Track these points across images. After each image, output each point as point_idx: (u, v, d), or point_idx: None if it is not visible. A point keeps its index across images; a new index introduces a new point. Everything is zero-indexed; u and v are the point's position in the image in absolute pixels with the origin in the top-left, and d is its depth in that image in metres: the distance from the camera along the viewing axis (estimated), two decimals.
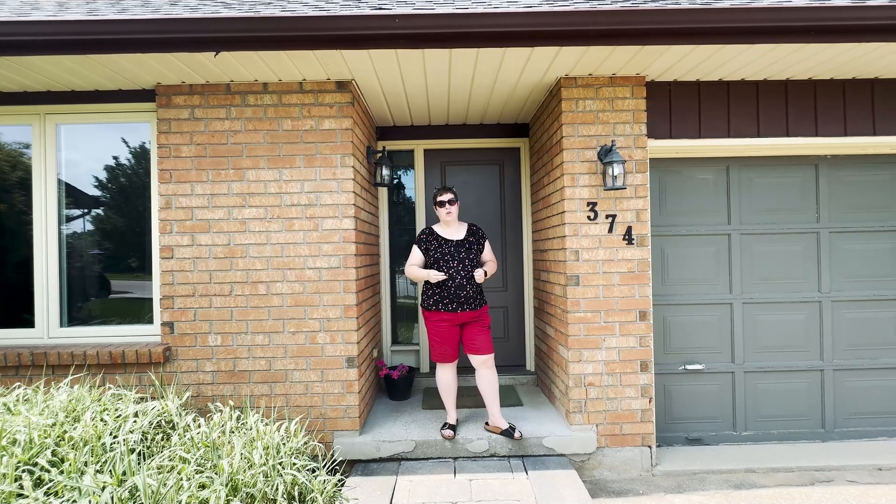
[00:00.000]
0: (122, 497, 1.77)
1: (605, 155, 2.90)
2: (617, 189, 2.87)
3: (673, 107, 3.12)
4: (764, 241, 3.35)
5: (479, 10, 2.32)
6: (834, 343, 3.35)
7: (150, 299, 3.11)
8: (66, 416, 2.26)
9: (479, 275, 2.93)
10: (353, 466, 2.91)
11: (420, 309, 3.12)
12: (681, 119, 3.12)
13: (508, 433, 2.94)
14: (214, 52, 2.49)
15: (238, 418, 2.58)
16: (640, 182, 3.00)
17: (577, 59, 2.73)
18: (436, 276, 2.90)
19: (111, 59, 2.61)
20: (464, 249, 3.00)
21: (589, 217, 2.98)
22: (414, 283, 4.35)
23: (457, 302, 2.95)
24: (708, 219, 3.34)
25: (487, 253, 3.14)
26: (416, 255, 3.07)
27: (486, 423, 3.08)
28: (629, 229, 2.98)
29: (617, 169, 2.82)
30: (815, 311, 3.35)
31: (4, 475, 1.80)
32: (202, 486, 1.96)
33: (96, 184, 3.22)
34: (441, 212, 3.03)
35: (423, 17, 2.31)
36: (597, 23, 2.29)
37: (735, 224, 3.34)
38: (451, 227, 3.07)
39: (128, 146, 3.21)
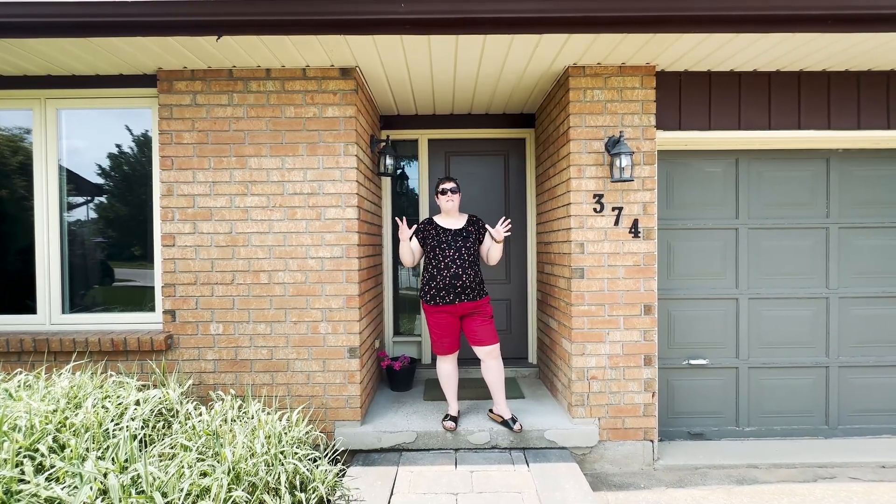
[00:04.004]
0: (125, 484, 1.77)
1: (613, 146, 2.85)
2: (624, 181, 2.83)
3: (683, 98, 3.06)
4: (772, 235, 3.30)
5: None
6: (840, 340, 3.32)
7: (152, 287, 3.10)
8: (68, 403, 2.26)
9: (497, 230, 2.88)
10: (355, 456, 2.91)
11: (420, 301, 3.10)
12: (691, 110, 3.06)
13: (508, 424, 2.93)
14: (216, 36, 2.44)
15: (239, 407, 2.58)
16: (647, 174, 2.95)
17: (586, 48, 2.67)
18: (400, 223, 2.96)
19: (111, 43, 2.57)
20: (461, 238, 2.96)
21: (595, 209, 2.94)
22: (416, 274, 4.33)
23: (454, 293, 2.92)
24: (715, 212, 3.29)
25: (488, 242, 3.09)
26: (413, 242, 3.05)
27: (490, 410, 3.10)
28: (635, 222, 2.94)
29: (624, 160, 2.77)
30: (822, 307, 3.32)
31: (6, 461, 1.79)
32: (204, 474, 1.96)
33: (98, 171, 3.19)
34: (442, 199, 3.00)
35: (429, 2, 2.25)
36: (608, 9, 2.23)
37: (743, 218, 3.29)
38: (452, 218, 3.05)
39: (130, 133, 3.17)
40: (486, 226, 3.08)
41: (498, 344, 3.00)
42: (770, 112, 3.07)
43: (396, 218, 3.03)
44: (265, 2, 2.25)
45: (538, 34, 2.45)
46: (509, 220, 2.97)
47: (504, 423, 2.96)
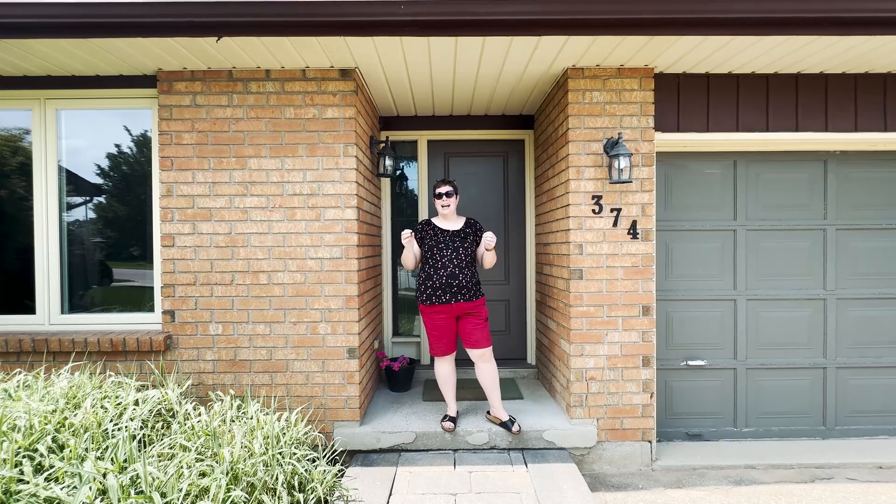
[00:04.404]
0: (124, 484, 1.77)
1: (612, 148, 2.86)
2: (623, 182, 2.84)
3: (681, 99, 3.07)
4: (770, 237, 3.32)
5: None
6: (837, 341, 3.33)
7: (151, 287, 3.10)
8: (67, 403, 2.26)
9: (488, 236, 2.88)
10: (354, 457, 2.92)
11: (417, 303, 3.10)
12: (689, 112, 3.07)
13: (507, 425, 2.94)
14: (216, 38, 2.45)
15: (238, 407, 2.58)
16: (646, 176, 2.96)
17: (584, 49, 2.68)
18: (407, 234, 2.92)
19: (112, 43, 2.58)
20: (458, 239, 2.98)
21: (594, 210, 2.95)
22: (415, 275, 4.34)
23: (450, 292, 2.93)
24: (714, 214, 3.30)
25: (482, 247, 3.10)
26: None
27: (488, 413, 3.10)
28: (634, 223, 2.95)
29: (623, 162, 2.78)
30: (820, 308, 3.33)
31: (5, 461, 1.79)
32: (202, 475, 1.96)
33: (97, 171, 3.19)
34: (439, 203, 3.02)
35: (429, 4, 2.26)
36: (606, 11, 2.24)
37: (741, 220, 3.30)
38: (449, 220, 3.07)
39: (129, 133, 3.18)
40: (482, 226, 3.11)
41: (491, 347, 3.01)
42: (768, 114, 3.09)
43: (408, 230, 2.97)
44: (265, 3, 2.25)
45: (537, 36, 2.46)
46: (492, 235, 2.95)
47: (503, 424, 2.97)
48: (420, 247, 3.04)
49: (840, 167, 3.31)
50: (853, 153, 3.29)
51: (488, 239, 2.91)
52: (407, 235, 2.95)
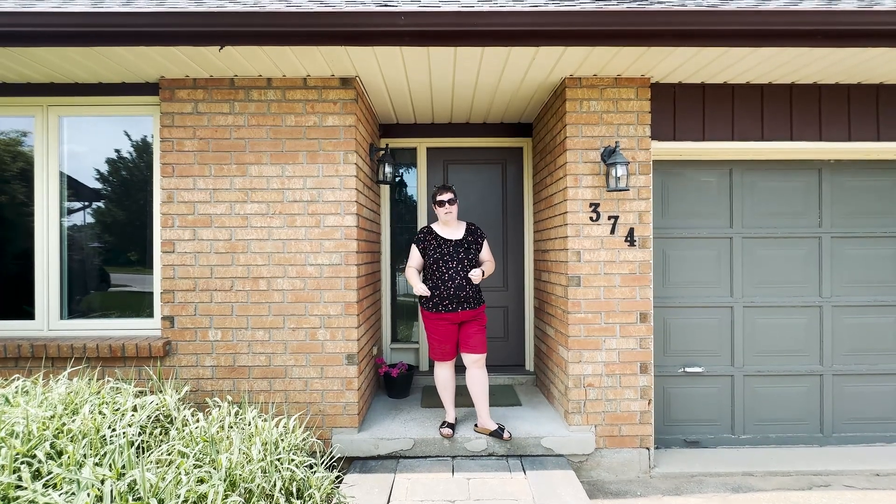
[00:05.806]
0: (121, 490, 1.77)
1: (609, 156, 2.90)
2: (620, 190, 2.87)
3: (677, 109, 3.11)
4: (766, 244, 3.35)
5: (485, 8, 2.31)
6: (834, 348, 3.35)
7: (151, 293, 3.11)
8: (65, 409, 2.25)
9: (475, 274, 2.92)
10: (352, 463, 2.91)
11: (419, 308, 3.11)
12: (685, 121, 3.11)
13: (497, 434, 2.93)
14: (219, 47, 2.48)
15: (236, 413, 2.57)
16: (642, 184, 2.99)
17: (582, 60, 2.72)
18: (421, 290, 2.93)
19: (115, 52, 2.61)
20: (462, 249, 3.00)
21: (591, 218, 2.98)
22: None
23: (456, 302, 2.95)
24: (710, 222, 3.33)
25: (486, 252, 3.13)
26: (414, 255, 3.07)
27: (475, 426, 3.07)
28: (631, 231, 2.98)
29: (620, 170, 2.81)
30: (816, 315, 3.35)
31: (3, 467, 1.79)
32: (200, 481, 1.96)
33: (98, 177, 3.21)
34: (440, 211, 3.03)
35: (429, 15, 2.30)
36: (603, 23, 2.28)
37: (737, 227, 3.33)
38: (450, 227, 3.07)
39: (130, 139, 3.20)
40: (482, 231, 3.13)
41: (486, 355, 3.03)
42: (763, 123, 3.13)
43: (426, 289, 2.94)
44: (268, 14, 2.29)
45: (535, 47, 2.50)
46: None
47: (493, 433, 2.95)
48: (423, 257, 3.05)
49: (834, 176, 3.35)
50: (847, 162, 3.33)
51: (473, 276, 2.91)
52: (423, 292, 2.93)
